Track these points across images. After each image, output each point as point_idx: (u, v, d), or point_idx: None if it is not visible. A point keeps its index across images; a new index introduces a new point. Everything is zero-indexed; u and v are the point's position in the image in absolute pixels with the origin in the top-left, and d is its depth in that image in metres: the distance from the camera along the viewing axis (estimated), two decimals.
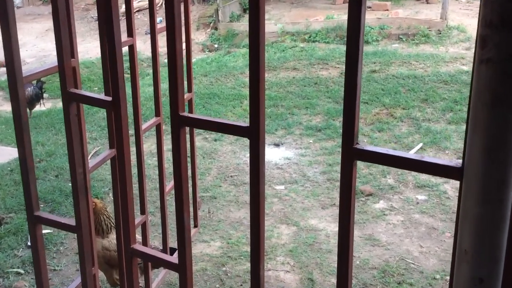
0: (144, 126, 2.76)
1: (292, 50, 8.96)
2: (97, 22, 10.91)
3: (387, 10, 10.78)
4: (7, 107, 7.60)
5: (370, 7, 10.82)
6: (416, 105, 6.33)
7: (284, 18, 10.97)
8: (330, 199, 4.54)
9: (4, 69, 1.77)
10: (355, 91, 1.16)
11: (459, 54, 8.10)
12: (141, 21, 11.79)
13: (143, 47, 9.49)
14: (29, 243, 3.87)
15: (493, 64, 0.92)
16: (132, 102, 2.62)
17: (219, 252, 3.89)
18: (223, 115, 6.32)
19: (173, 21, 1.34)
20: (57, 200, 4.57)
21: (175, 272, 1.67)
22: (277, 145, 5.55)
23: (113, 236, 3.14)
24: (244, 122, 4.84)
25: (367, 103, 6.45)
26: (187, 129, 2.02)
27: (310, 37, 9.87)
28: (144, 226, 2.79)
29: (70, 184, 2.30)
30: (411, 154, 1.13)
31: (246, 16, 11.25)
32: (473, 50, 8.56)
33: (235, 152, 5.43)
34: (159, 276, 3.35)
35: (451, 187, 4.61)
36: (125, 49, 2.62)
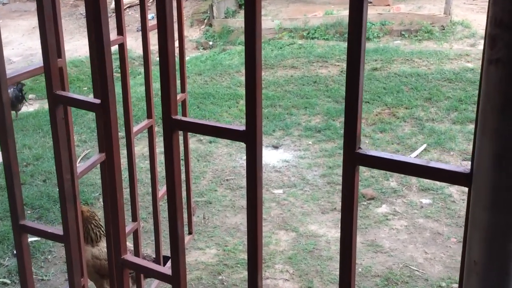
0: (135, 128, 2.74)
1: (290, 48, 8.95)
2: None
3: (389, 5, 10.78)
4: None
5: (370, 2, 10.82)
6: (420, 104, 6.33)
7: (281, 14, 10.96)
8: (330, 203, 4.53)
9: None
10: (357, 91, 1.15)
11: (463, 51, 8.11)
12: (132, 17, 11.77)
13: (134, 44, 9.47)
14: (15, 252, 3.84)
15: (503, 64, 0.91)
16: (122, 103, 2.60)
17: (215, 260, 3.87)
18: (218, 115, 6.31)
19: (165, 18, 1.32)
20: (44, 206, 4.55)
21: None
22: (275, 147, 5.53)
23: (103, 244, 3.12)
24: (240, 123, 4.84)
25: (368, 102, 6.44)
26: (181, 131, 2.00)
27: (308, 33, 9.86)
28: (136, 233, 2.77)
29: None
30: (417, 159, 1.12)
31: (242, 12, 11.24)
32: (478, 47, 8.60)
33: (231, 155, 5.42)
34: (152, 286, 3.33)
35: (456, 190, 4.61)
36: (115, 48, 2.60)
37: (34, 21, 12.53)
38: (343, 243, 1.25)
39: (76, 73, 8.95)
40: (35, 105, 7.59)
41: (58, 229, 1.81)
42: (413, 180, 4.78)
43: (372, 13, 9.99)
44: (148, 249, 3.97)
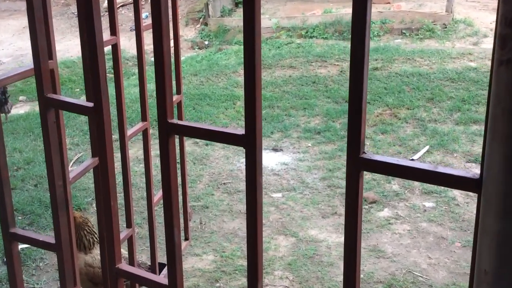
0: (129, 131, 2.72)
1: (288, 47, 8.95)
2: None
3: (389, 3, 10.78)
4: None
5: None
6: (422, 104, 6.32)
7: (279, 12, 10.95)
8: (331, 207, 4.52)
9: None
10: (361, 94, 1.13)
11: (466, 50, 8.11)
12: (125, 16, 11.75)
13: (128, 44, 9.45)
14: (5, 260, 3.81)
15: None
16: (116, 106, 2.58)
17: (212, 266, 3.86)
18: (214, 117, 6.29)
19: (160, 17, 1.31)
20: (36, 212, 4.53)
21: None
22: (276, 149, 5.52)
23: (96, 252, 3.10)
24: (237, 124, 4.82)
25: (369, 103, 6.43)
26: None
27: (307, 32, 9.86)
28: (130, 240, 2.75)
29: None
30: (424, 164, 1.10)
31: (238, 11, 11.23)
32: (481, 45, 8.61)
33: (228, 158, 5.40)
34: None
35: (460, 193, 4.60)
36: (108, 49, 2.58)
37: (24, 20, 12.50)
38: (347, 251, 1.23)
39: (68, 74, 8.93)
40: (25, 107, 7.57)
41: (49, 237, 1.79)
42: (416, 183, 4.78)
43: (372, 11, 9.97)
44: (143, 255, 3.95)
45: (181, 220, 3.89)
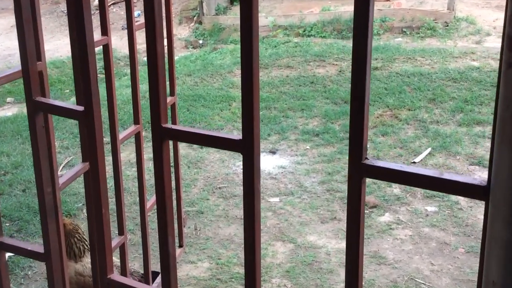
0: (121, 135, 2.70)
1: (285, 46, 8.94)
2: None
3: (389, 0, 10.79)
4: None
5: None
6: (423, 105, 6.32)
7: (276, 10, 10.95)
8: (330, 212, 4.51)
9: None
10: (363, 97, 1.12)
11: (468, 49, 8.12)
12: (117, 15, 11.72)
13: (119, 44, 9.43)
14: None
15: None
16: (107, 108, 2.57)
17: (208, 274, 3.84)
18: (209, 119, 6.28)
19: (153, 17, 1.29)
20: (24, 218, 4.50)
21: None
22: (273, 152, 5.51)
23: (87, 260, 3.08)
24: (233, 126, 4.79)
25: (369, 104, 6.42)
26: None
27: (304, 31, 9.85)
28: (122, 248, 2.73)
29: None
30: (429, 170, 1.09)
31: (234, 9, 11.22)
32: (484, 44, 8.62)
33: (223, 161, 5.39)
34: None
35: (463, 197, 4.59)
36: (99, 49, 2.57)
37: (12, 19, 12.45)
38: (349, 261, 1.22)
39: (58, 74, 8.90)
40: (13, 109, 7.53)
41: (38, 246, 1.77)
42: None
43: None
44: (135, 263, 3.93)
45: (175, 226, 3.88)
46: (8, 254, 3.41)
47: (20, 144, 5.90)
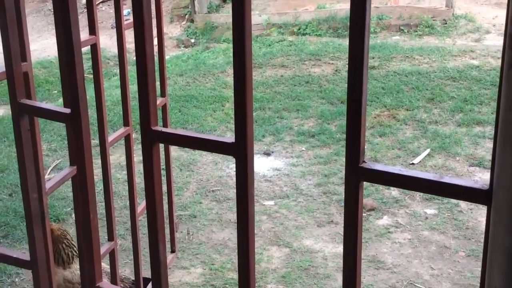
0: (111, 137, 2.69)
1: (279, 45, 8.93)
2: None
3: None
4: None
5: None
6: (421, 105, 6.33)
7: (270, 8, 10.95)
8: (326, 215, 4.50)
9: None
10: (360, 97, 1.11)
11: (468, 47, 8.14)
12: (106, 13, 11.69)
13: (108, 43, 9.40)
14: None
15: None
16: (96, 110, 2.55)
17: (201, 280, 3.83)
18: (202, 120, 6.26)
19: (142, 16, 1.28)
20: (11, 223, 4.48)
21: None
22: (267, 154, 5.50)
23: (76, 266, 3.06)
24: (226, 128, 4.78)
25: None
26: None
27: (299, 29, 9.85)
28: (112, 254, 2.71)
29: None
30: (428, 174, 1.08)
31: (226, 7, 11.21)
32: (483, 42, 8.64)
33: (216, 163, 5.37)
34: None
35: (464, 201, 4.59)
36: (87, 48, 2.55)
37: None
38: (346, 266, 1.21)
39: (45, 75, 8.86)
40: None
41: (24, 254, 1.75)
42: None
43: None
44: (126, 269, 3.91)
45: (167, 231, 3.86)
46: None
47: (7, 146, 5.87)
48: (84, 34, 2.49)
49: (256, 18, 10.20)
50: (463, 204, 4.54)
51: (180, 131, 1.31)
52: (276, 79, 7.30)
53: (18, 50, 1.54)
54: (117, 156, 5.45)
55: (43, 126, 6.11)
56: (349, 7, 1.07)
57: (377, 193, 4.73)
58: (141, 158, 3.44)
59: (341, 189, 4.58)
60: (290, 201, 4.73)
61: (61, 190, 4.89)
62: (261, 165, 5.32)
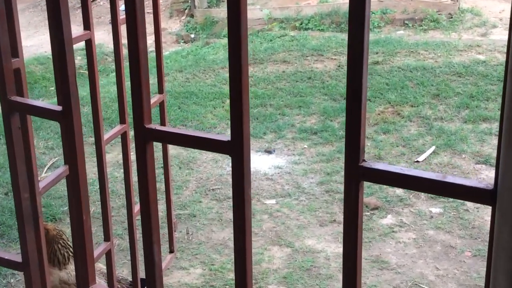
0: (107, 135, 2.67)
1: (281, 40, 8.91)
2: None
3: None
4: None
5: None
6: (426, 101, 6.31)
7: (271, 2, 10.92)
8: (329, 214, 4.49)
9: None
10: (360, 94, 1.10)
11: (474, 42, 8.11)
12: (104, 8, 11.67)
13: (107, 38, 9.39)
14: None
15: None
16: (91, 106, 2.54)
17: (200, 280, 3.82)
18: (202, 117, 6.25)
19: (135, 10, 1.26)
20: (6, 223, 4.47)
21: None
22: (269, 151, 5.48)
23: (72, 267, 3.05)
24: (227, 125, 4.76)
25: (369, 100, 6.40)
26: None
27: (301, 24, 9.82)
28: (109, 255, 2.70)
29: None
30: (431, 173, 1.07)
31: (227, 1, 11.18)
32: (490, 37, 8.60)
33: (217, 161, 5.36)
34: None
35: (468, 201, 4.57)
36: (83, 44, 2.53)
37: None
38: (346, 268, 1.19)
39: (42, 71, 8.85)
40: None
41: (16, 255, 1.74)
42: None
43: (371, 0, 9.96)
44: (124, 269, 3.90)
45: (166, 231, 3.85)
46: None
47: (2, 144, 5.86)
48: (79, 30, 2.47)
49: (257, 12, 10.17)
50: (469, 203, 4.52)
51: (174, 129, 1.29)
52: (278, 75, 7.28)
53: (8, 45, 1.53)
54: (115, 154, 5.44)
55: (40, 123, 6.10)
56: None
57: (381, 191, 4.71)
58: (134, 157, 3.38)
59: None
60: (292, 200, 4.71)
61: (58, 189, 4.88)
62: (262, 163, 5.30)
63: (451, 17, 9.54)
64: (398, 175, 1.07)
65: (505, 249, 0.95)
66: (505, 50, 7.44)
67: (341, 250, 4.00)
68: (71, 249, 3.08)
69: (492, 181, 1.02)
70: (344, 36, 8.64)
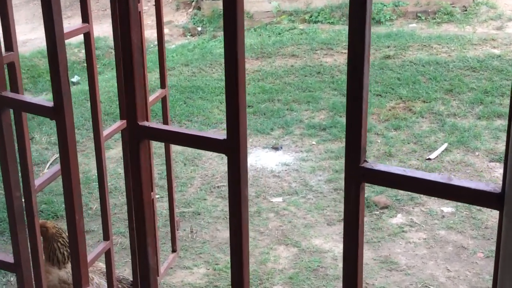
0: (106, 131, 2.65)
1: (289, 33, 8.87)
2: None
3: None
4: None
5: None
6: (439, 97, 6.26)
7: None
8: (337, 213, 4.46)
9: None
10: (360, 91, 1.06)
11: (489, 35, 8.03)
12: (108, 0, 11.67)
13: (111, 30, 9.37)
14: None
15: None
16: (90, 101, 2.52)
17: (204, 280, 3.81)
18: (208, 112, 6.23)
19: (127, 1, 1.23)
20: (7, 220, 4.46)
21: None
22: (276, 148, 5.46)
23: None
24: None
25: (380, 95, 6.36)
26: None
27: (311, 17, 9.78)
28: (108, 254, 2.68)
29: (23, 200, 2.21)
30: (435, 175, 1.03)
31: None
32: (506, 30, 8.52)
33: (222, 158, 5.33)
34: None
35: (475, 205, 4.53)
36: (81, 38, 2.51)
37: None
38: (346, 275, 1.16)
39: (46, 64, 8.84)
40: None
41: (8, 256, 1.72)
42: None
43: None
44: (126, 268, 3.89)
45: (168, 229, 3.84)
46: None
47: None
48: (77, 23, 2.45)
49: (266, 5, 10.13)
50: None
51: (169, 127, 1.27)
52: (286, 69, 7.25)
53: (0, 38, 1.50)
54: (119, 150, 5.43)
55: (43, 118, 6.11)
56: None
57: (391, 189, 4.68)
58: None
59: None
60: (299, 198, 4.69)
61: (60, 185, 4.88)
62: (269, 159, 5.28)
63: (466, 10, 9.46)
64: (400, 177, 1.04)
65: None
66: None
67: None
68: None
69: (499, 185, 0.98)
70: (348, 34, 8.59)
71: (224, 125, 5.94)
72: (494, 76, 6.66)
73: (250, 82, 6.95)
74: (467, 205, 4.45)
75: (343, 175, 4.01)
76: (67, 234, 3.12)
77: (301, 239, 4.19)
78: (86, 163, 5.24)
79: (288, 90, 6.67)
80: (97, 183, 4.56)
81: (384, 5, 9.73)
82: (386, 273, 3.81)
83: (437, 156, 5.17)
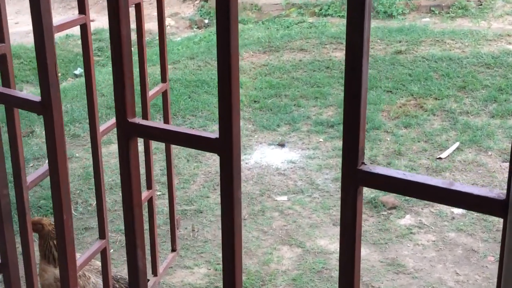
0: (103, 126, 2.63)
1: (298, 27, 8.83)
2: None
3: None
4: None
5: None
6: (452, 94, 6.21)
7: None
8: None
9: None
10: (359, 89, 1.03)
11: (504, 31, 7.97)
12: None
13: None
14: None
15: None
16: (86, 95, 2.49)
17: (205, 281, 3.79)
18: (213, 106, 6.21)
19: None
20: None
21: None
22: (281, 145, 5.43)
23: None
24: (240, 116, 4.70)
25: (391, 92, 6.32)
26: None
27: (321, 10, 9.73)
28: (104, 253, 2.67)
29: (15, 197, 2.20)
30: (436, 179, 1.00)
31: None
32: None
33: None
34: None
35: (477, 212, 4.49)
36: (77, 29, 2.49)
37: None
38: (342, 283, 1.13)
39: None
40: None
41: None
42: None
43: None
44: (125, 267, 3.87)
45: (168, 228, 3.82)
46: None
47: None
48: (73, 15, 2.43)
49: None
50: None
51: (160, 124, 1.24)
52: (294, 63, 7.22)
53: None
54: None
55: None
56: None
57: None
58: (141, 148, 3.34)
59: None
60: (304, 196, 4.66)
61: None
62: (275, 157, 5.25)
63: (481, 4, 9.39)
64: (400, 181, 1.01)
65: None
66: None
67: None
68: None
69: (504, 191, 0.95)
70: (346, 29, 8.55)
71: None
72: (509, 73, 6.61)
73: (257, 77, 6.92)
74: None
75: None
76: None
77: (306, 240, 4.16)
78: (87, 158, 5.22)
79: (295, 85, 6.64)
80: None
81: None
82: (392, 276, 3.78)
83: (448, 156, 5.13)
